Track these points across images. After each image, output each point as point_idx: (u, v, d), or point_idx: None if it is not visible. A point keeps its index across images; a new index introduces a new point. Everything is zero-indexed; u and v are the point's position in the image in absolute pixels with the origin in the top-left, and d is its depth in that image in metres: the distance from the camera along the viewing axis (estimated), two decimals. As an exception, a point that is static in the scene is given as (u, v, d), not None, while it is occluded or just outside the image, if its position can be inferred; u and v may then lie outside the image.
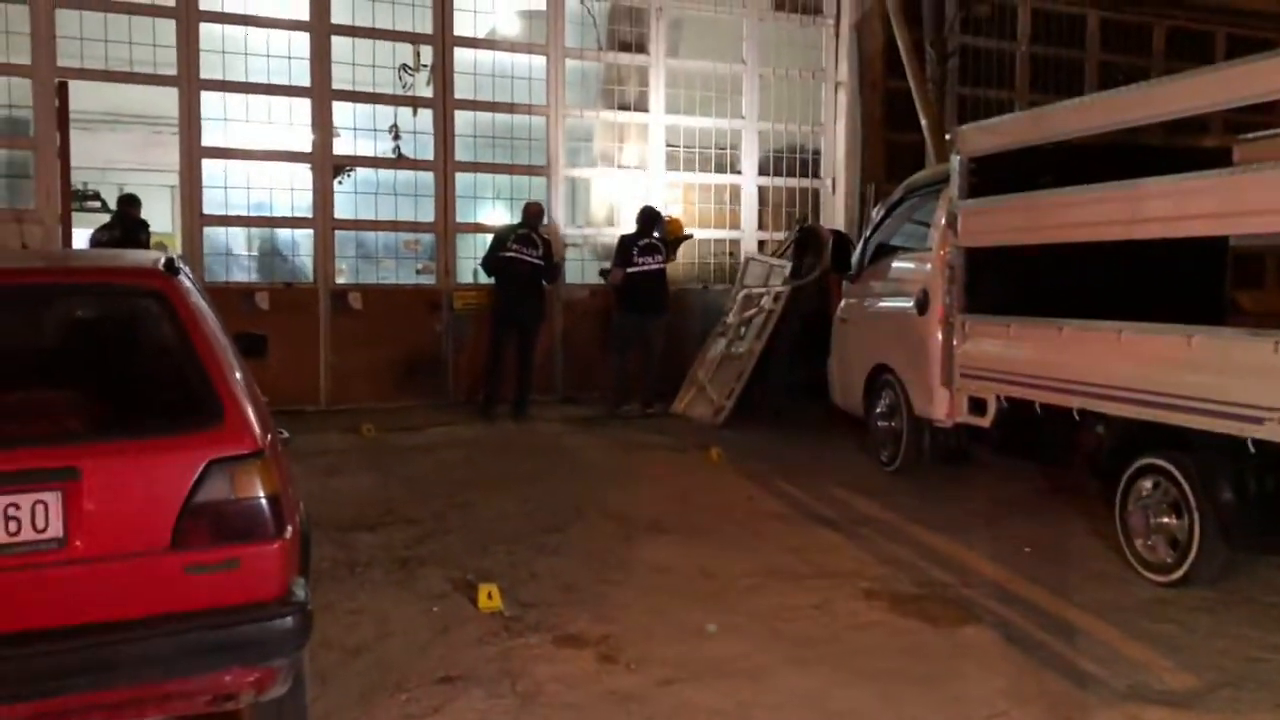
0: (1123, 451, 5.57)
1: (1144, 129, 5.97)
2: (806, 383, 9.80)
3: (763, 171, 12.36)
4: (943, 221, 6.99)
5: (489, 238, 10.50)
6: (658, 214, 10.54)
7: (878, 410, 7.91)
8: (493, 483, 7.31)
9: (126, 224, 9.84)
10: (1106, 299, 5.72)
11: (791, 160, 12.52)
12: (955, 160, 6.78)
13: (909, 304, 7.35)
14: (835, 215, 12.39)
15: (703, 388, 10.22)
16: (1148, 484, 5.35)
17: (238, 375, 3.37)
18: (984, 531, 6.16)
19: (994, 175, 6.57)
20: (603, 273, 10.52)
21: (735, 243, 12.20)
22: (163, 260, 3.56)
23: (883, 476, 7.65)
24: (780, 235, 11.97)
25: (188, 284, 3.56)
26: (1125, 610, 4.90)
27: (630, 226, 10.52)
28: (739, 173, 12.28)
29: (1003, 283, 6.55)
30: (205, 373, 3.20)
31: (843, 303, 8.74)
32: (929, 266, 7.18)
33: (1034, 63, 13.17)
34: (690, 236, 11.22)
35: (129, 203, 10.05)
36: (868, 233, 8.54)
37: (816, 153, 12.63)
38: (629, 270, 10.10)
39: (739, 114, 12.16)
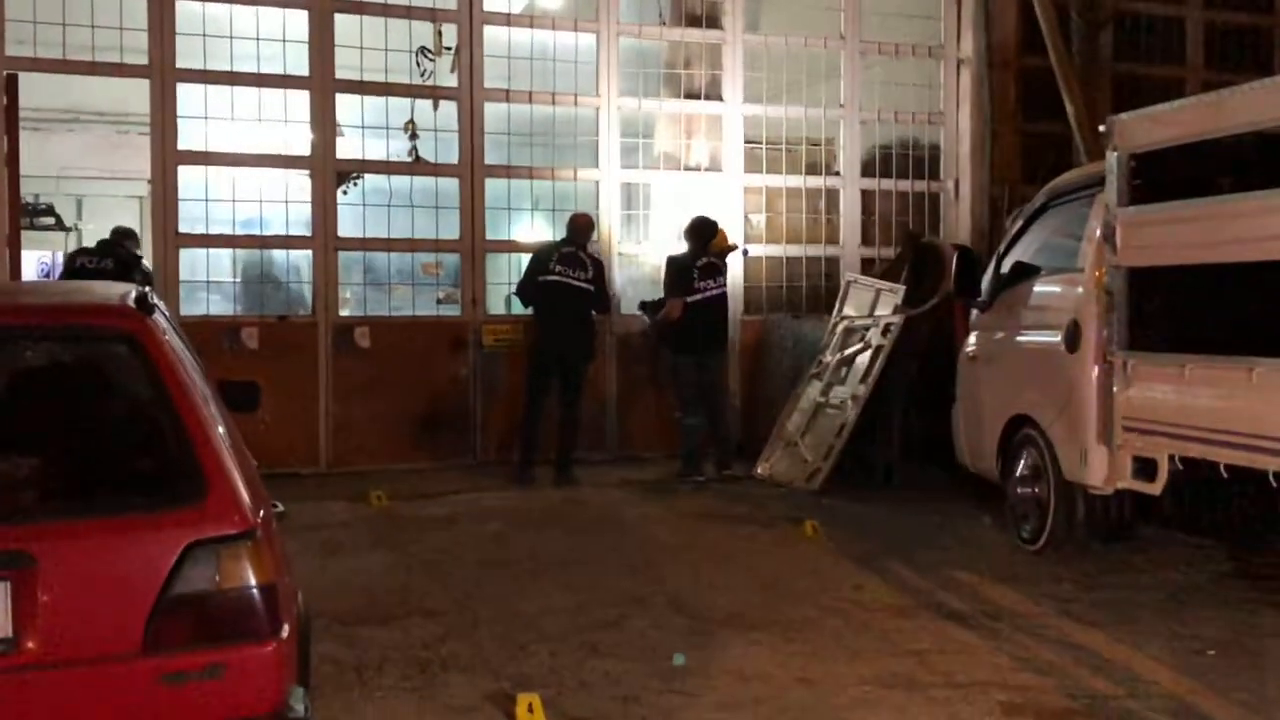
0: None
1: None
2: (925, 438, 9.78)
3: (867, 172, 12.38)
4: (1097, 234, 6.91)
5: (525, 258, 10.63)
6: (715, 226, 10.61)
7: (1017, 473, 7.80)
8: (532, 565, 7.32)
9: (118, 260, 10.15)
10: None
11: (903, 158, 12.52)
12: (1112, 157, 6.70)
13: (1055, 338, 7.28)
14: (959, 227, 12.36)
15: (794, 444, 10.17)
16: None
17: (223, 436, 3.44)
18: (1156, 628, 6.03)
19: (1163, 176, 6.50)
20: (645, 307, 10.57)
21: (833, 261, 12.20)
22: (133, 295, 3.64)
23: (1024, 557, 7.53)
24: (890, 252, 11.93)
25: (164, 324, 3.64)
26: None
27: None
28: (837, 174, 12.31)
29: (1176, 311, 6.48)
30: (185, 434, 3.28)
31: (971, 337, 8.68)
32: (1080, 291, 7.11)
33: (1210, 32, 13.04)
34: (736, 248, 11.23)
35: (125, 236, 10.35)
36: (1001, 248, 8.49)
37: (934, 148, 12.62)
38: (689, 300, 10.13)
39: (836, 102, 12.21)
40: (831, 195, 12.29)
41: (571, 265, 10.04)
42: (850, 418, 9.80)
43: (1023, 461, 7.76)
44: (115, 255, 10.34)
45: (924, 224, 12.36)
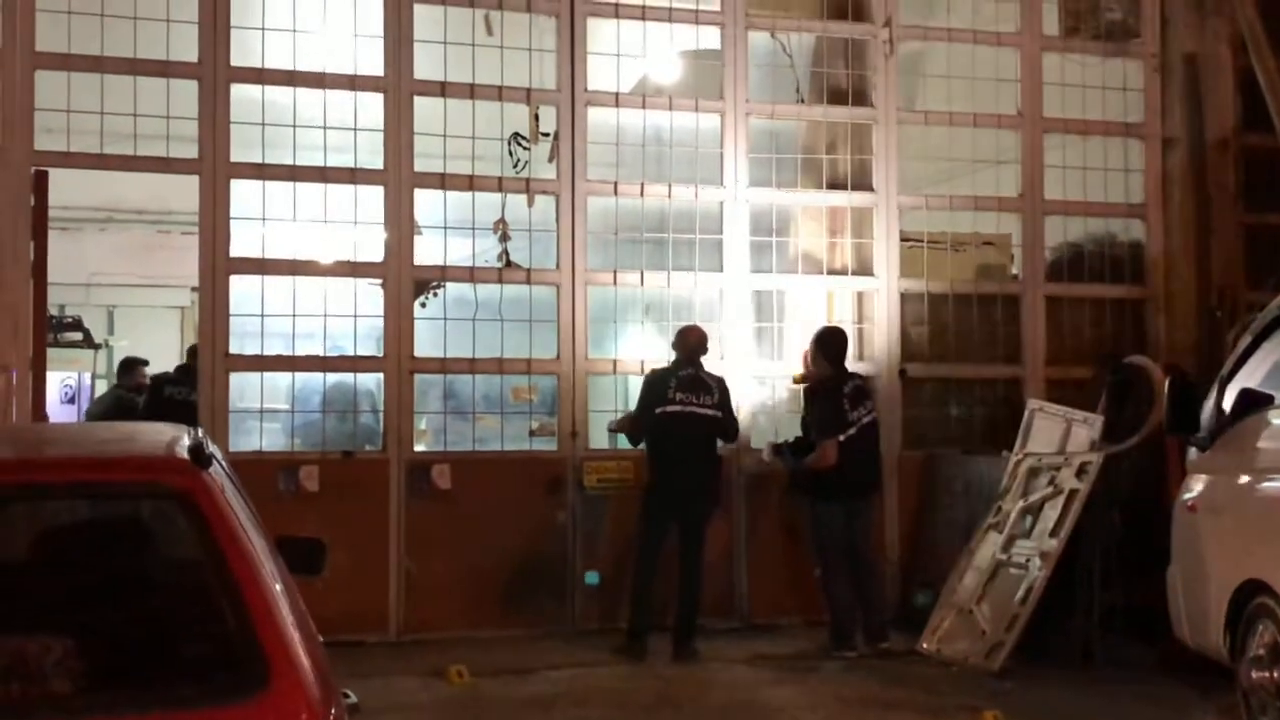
0: None
1: None
2: (1132, 607, 9.59)
3: (1053, 276, 12.32)
4: (1348, 356, 6.81)
5: (634, 381, 10.69)
6: (846, 338, 10.70)
7: (1252, 652, 7.59)
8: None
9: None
10: None
11: (1097, 258, 12.45)
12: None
13: (1298, 485, 7.13)
14: (1168, 343, 12.16)
15: (968, 612, 9.99)
16: None
17: (288, 612, 3.46)
18: None
19: None
20: (782, 451, 10.54)
21: (1013, 385, 12.07)
22: (187, 443, 3.73)
23: (1262, 761, 7.30)
24: (1083, 373, 11.78)
25: (221, 478, 3.71)
26: None
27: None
28: (1015, 278, 12.25)
29: None
30: (244, 612, 3.31)
31: (1189, 481, 8.54)
32: (1328, 427, 6.97)
33: None
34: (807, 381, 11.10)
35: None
36: (1225, 371, 8.37)
37: (1135, 246, 12.52)
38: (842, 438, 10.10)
39: (1013, 191, 12.20)
40: (1009, 303, 12.22)
41: (695, 390, 10.10)
42: (1038, 580, 9.60)
43: (1259, 638, 7.54)
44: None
45: (1125, 340, 12.21)
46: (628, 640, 10.03)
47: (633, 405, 10.77)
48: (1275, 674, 7.38)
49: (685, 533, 10.05)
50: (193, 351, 11.21)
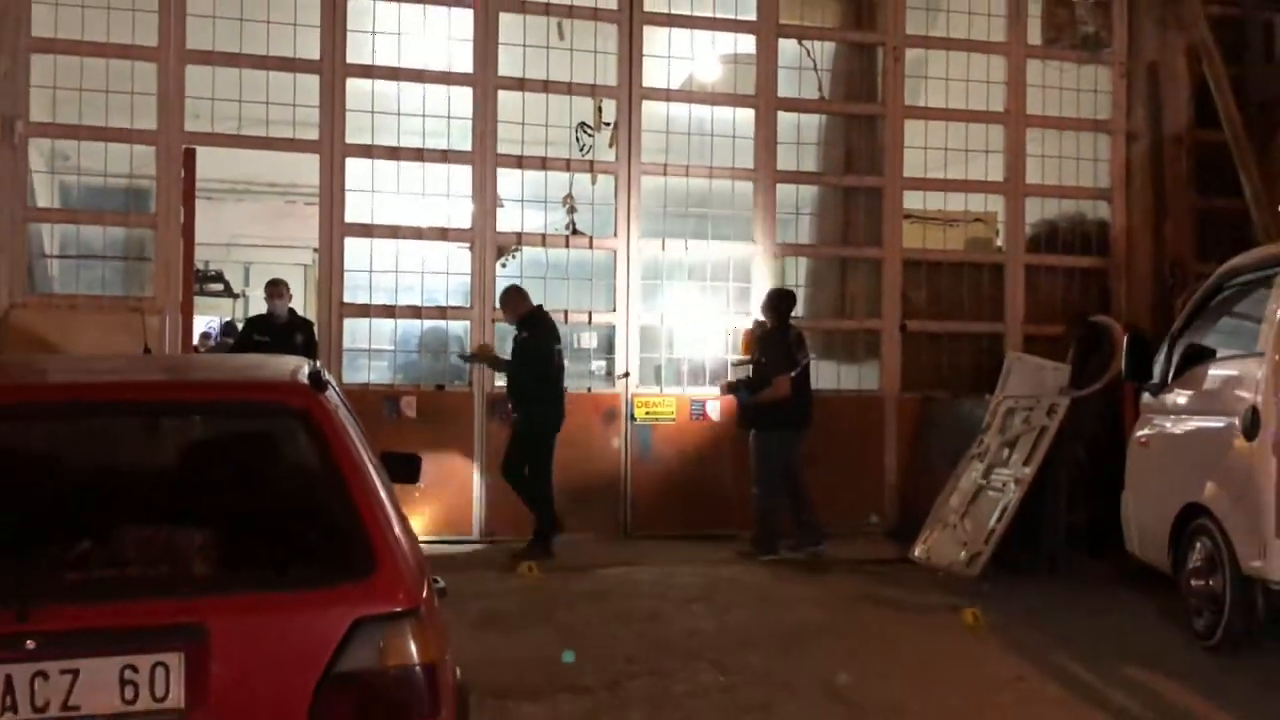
0: None
1: None
2: (1092, 525, 9.55)
3: (1031, 248, 12.22)
4: (1278, 317, 6.70)
5: (676, 330, 10.80)
6: (794, 296, 10.70)
7: (1191, 564, 7.54)
8: (683, 643, 7.31)
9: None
10: None
11: (1069, 234, 12.34)
12: (1295, 237, 6.52)
13: (1233, 425, 7.05)
14: (1127, 305, 12.05)
15: (953, 526, 9.96)
16: None
17: (391, 512, 3.49)
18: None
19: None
20: (737, 387, 10.41)
21: (996, 339, 12.00)
22: (307, 371, 3.75)
23: (1198, 654, 7.25)
24: (1055, 330, 11.69)
25: (335, 400, 3.74)
26: None
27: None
28: (1000, 249, 12.15)
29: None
30: (354, 510, 3.34)
31: (1142, 421, 8.48)
32: (1260, 375, 6.88)
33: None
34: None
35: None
36: (1175, 329, 8.29)
37: (1101, 224, 12.40)
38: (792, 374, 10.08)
39: (999, 176, 12.10)
40: (994, 271, 12.13)
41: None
42: (1012, 501, 9.55)
43: (1197, 552, 7.50)
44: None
45: (1092, 302, 12.10)
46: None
47: (674, 351, 10.90)
48: (1210, 582, 7.34)
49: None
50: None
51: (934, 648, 7.43)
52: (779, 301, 10.47)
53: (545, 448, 10.00)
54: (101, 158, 10.24)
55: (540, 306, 10.29)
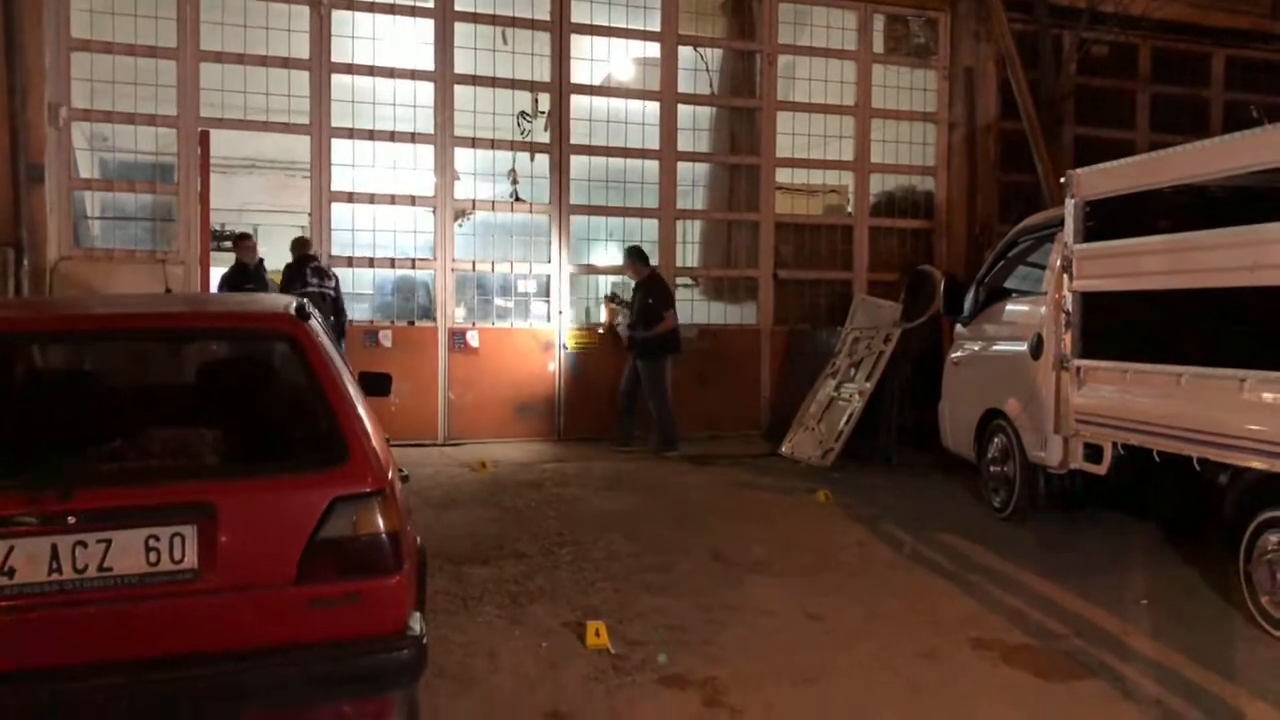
0: (1247, 504, 5.35)
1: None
2: (917, 426, 9.71)
3: (875, 213, 12.28)
4: (1058, 265, 6.84)
5: (604, 280, 10.62)
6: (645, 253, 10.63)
7: (990, 455, 7.75)
8: (601, 520, 7.37)
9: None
10: (1230, 345, 5.51)
11: (904, 202, 12.43)
12: (1071, 203, 6.63)
13: (1022, 348, 7.21)
14: (947, 257, 12.20)
15: (811, 428, 10.13)
16: (1274, 539, 5.12)
17: (362, 416, 3.49)
18: (1099, 581, 5.96)
19: (1110, 219, 6.41)
20: (633, 327, 10.29)
21: (847, 284, 12.11)
22: (294, 305, 3.72)
23: (995, 523, 7.46)
24: (891, 277, 11.84)
25: (317, 328, 3.72)
26: (1249, 668, 4.69)
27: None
28: (850, 214, 12.24)
29: (1119, 327, 6.38)
30: (332, 414, 3.33)
31: (955, 345, 8.62)
32: (1043, 310, 7.02)
33: (1156, 103, 12.84)
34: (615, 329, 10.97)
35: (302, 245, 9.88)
36: (981, 275, 8.40)
37: (928, 195, 12.51)
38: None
39: (850, 156, 12.13)
40: (845, 231, 12.20)
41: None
42: (857, 409, 9.75)
43: (994, 446, 7.71)
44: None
45: (920, 255, 12.25)
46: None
47: (599, 293, 10.85)
48: (1004, 468, 7.55)
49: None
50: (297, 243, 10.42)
51: (795, 520, 7.57)
52: (640, 255, 10.46)
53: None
54: (132, 138, 9.95)
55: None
